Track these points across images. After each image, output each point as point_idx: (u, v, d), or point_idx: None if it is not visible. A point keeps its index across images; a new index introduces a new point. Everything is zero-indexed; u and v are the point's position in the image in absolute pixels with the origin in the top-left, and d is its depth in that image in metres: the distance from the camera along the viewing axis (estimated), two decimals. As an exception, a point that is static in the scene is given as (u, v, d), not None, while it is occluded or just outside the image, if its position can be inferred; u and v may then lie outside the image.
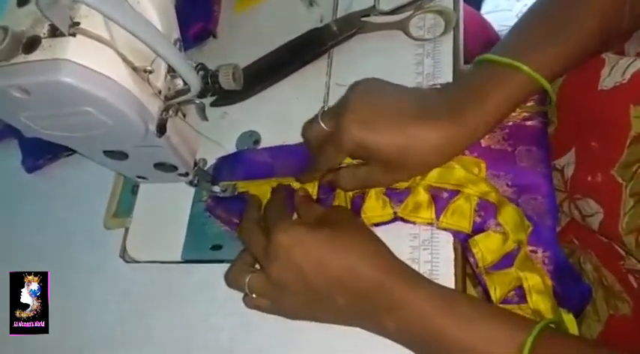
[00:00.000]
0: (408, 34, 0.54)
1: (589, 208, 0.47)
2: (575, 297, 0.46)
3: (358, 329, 0.44)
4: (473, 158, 0.47)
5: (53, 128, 0.38)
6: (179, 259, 0.54)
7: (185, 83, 0.40)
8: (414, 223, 0.47)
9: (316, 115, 0.48)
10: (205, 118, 0.46)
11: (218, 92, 0.44)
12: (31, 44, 0.33)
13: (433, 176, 0.47)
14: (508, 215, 0.45)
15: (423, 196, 0.47)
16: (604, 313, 0.50)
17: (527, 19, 0.49)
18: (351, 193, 0.49)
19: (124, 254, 0.56)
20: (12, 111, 0.37)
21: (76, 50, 0.33)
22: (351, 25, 0.56)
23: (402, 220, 0.47)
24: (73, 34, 0.33)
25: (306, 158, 0.51)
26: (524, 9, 1.64)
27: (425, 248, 0.47)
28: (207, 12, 0.64)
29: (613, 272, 0.49)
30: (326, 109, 0.47)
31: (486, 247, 0.45)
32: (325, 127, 0.47)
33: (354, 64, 0.56)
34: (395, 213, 0.47)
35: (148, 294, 0.54)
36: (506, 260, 0.45)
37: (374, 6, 0.56)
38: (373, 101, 0.44)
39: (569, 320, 0.43)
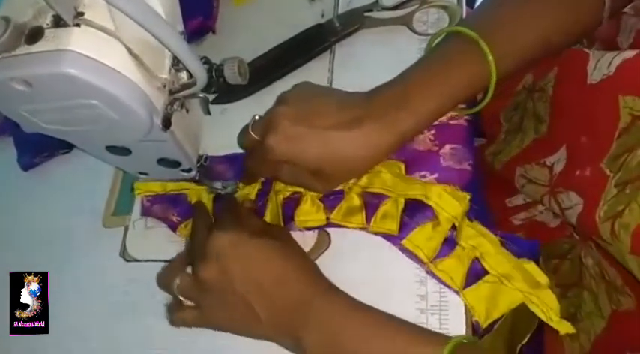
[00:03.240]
0: (411, 29, 0.54)
1: (568, 201, 0.47)
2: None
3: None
4: (393, 161, 0.47)
5: (55, 122, 0.37)
6: (180, 257, 0.53)
7: (190, 76, 0.39)
8: (346, 227, 0.48)
9: (247, 125, 0.48)
10: (208, 112, 0.45)
11: (221, 87, 0.44)
12: (34, 35, 0.32)
13: (363, 181, 0.47)
14: (434, 194, 0.44)
15: (355, 201, 0.48)
16: (607, 309, 0.50)
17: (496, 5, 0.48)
18: (281, 197, 0.49)
19: (123, 253, 0.55)
20: (12, 104, 0.36)
21: (80, 41, 0.32)
22: (354, 21, 0.55)
23: (335, 225, 0.48)
24: (78, 25, 0.32)
25: None
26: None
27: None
28: (206, 7, 0.63)
29: (614, 265, 0.49)
30: (257, 118, 0.47)
31: (421, 241, 0.45)
32: (255, 137, 0.47)
33: (357, 59, 0.56)
34: (327, 218, 0.48)
35: (148, 293, 0.53)
36: (447, 247, 0.45)
37: (377, 1, 0.55)
38: (299, 113, 0.44)
39: (531, 268, 0.43)
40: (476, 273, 0.44)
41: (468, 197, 0.44)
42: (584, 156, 0.46)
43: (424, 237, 0.45)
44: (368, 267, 0.47)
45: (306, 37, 0.57)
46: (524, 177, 0.52)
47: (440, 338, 0.39)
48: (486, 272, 0.43)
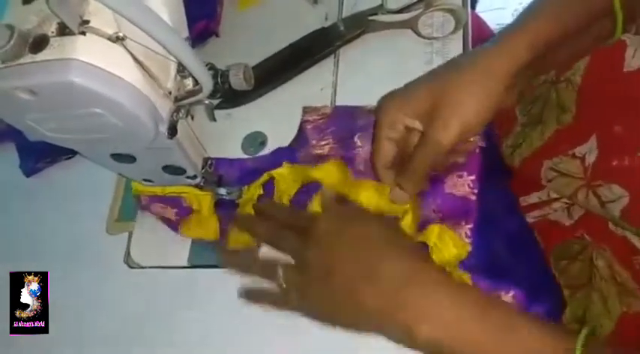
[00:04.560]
0: (417, 32, 0.53)
1: (611, 194, 0.46)
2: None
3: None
4: None
5: (60, 131, 0.37)
6: (185, 263, 0.53)
7: (196, 83, 0.38)
8: None
9: None
10: (214, 119, 0.45)
11: (226, 93, 0.43)
12: (39, 43, 0.32)
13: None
14: (434, 234, 0.44)
15: None
16: (616, 311, 0.50)
17: None
18: (287, 198, 0.49)
19: (127, 259, 0.55)
20: (17, 113, 0.35)
21: (85, 49, 0.32)
22: (359, 24, 0.55)
23: None
24: (83, 33, 0.32)
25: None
26: (520, 7, 1.64)
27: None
28: (210, 10, 0.62)
29: (627, 268, 0.49)
30: None
31: None
32: None
33: (361, 63, 0.55)
34: None
35: (152, 299, 0.53)
36: None
37: (382, 4, 0.55)
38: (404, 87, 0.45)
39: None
40: None
41: (468, 248, 0.44)
42: (619, 145, 0.45)
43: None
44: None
45: (310, 42, 0.57)
46: (554, 170, 0.52)
47: (569, 339, 0.37)
48: None
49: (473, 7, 1.48)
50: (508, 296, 0.44)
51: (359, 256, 0.41)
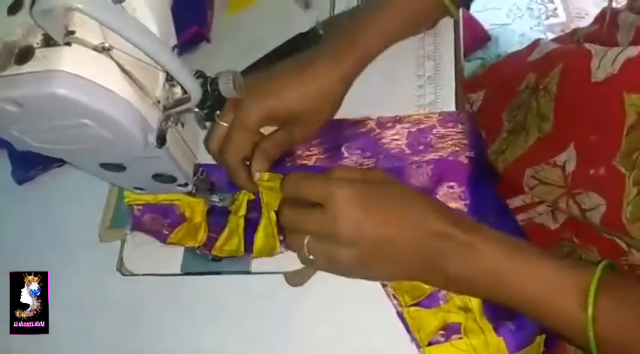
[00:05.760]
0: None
1: (590, 202, 0.46)
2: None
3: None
4: None
5: (47, 142, 0.37)
6: (178, 271, 0.52)
7: (184, 92, 0.38)
8: None
9: (214, 122, 0.49)
10: (205, 127, 0.45)
11: (216, 100, 0.43)
12: (24, 55, 0.31)
13: None
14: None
15: None
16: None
17: None
18: (273, 214, 0.48)
19: (120, 267, 0.54)
20: (3, 124, 0.35)
21: (71, 60, 0.31)
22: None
23: None
24: (68, 44, 0.32)
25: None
26: (513, 7, 1.64)
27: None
28: (201, 15, 0.62)
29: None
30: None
31: (406, 287, 0.44)
32: (226, 124, 0.48)
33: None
34: None
35: (145, 307, 0.53)
36: (429, 300, 0.44)
37: (372, 8, 0.54)
38: (260, 79, 0.49)
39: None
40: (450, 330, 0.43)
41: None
42: (595, 154, 0.46)
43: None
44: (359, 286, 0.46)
45: (301, 44, 0.56)
46: (535, 178, 0.52)
47: (587, 270, 0.39)
48: (452, 336, 0.43)
49: (467, 7, 1.48)
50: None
51: (384, 218, 0.41)
